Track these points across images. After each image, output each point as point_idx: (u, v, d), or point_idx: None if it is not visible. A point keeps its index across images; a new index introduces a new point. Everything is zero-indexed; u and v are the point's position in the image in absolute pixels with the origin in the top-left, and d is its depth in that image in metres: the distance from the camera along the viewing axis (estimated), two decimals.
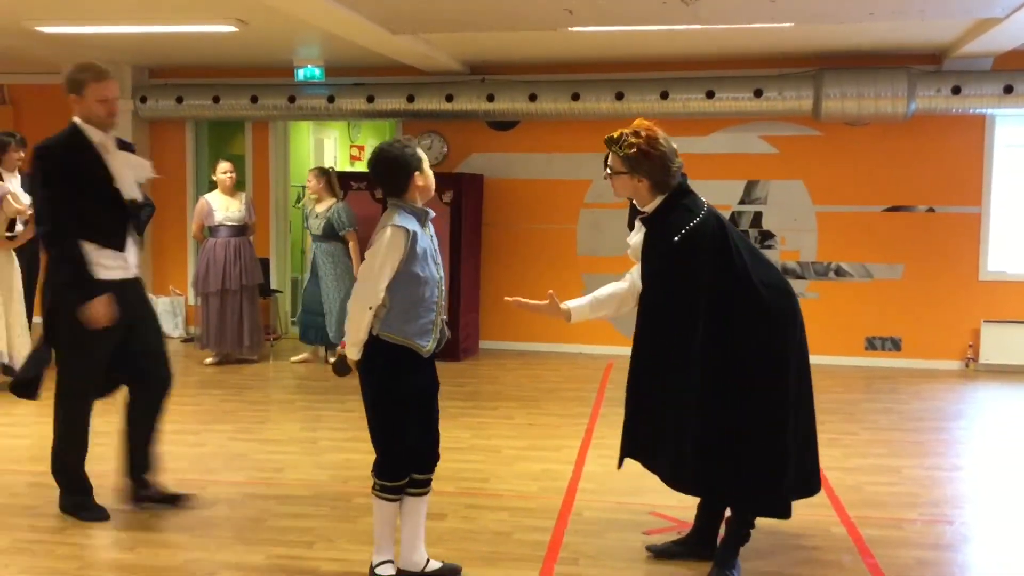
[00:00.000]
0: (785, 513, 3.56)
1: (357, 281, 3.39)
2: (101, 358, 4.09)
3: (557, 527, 4.16)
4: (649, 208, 3.55)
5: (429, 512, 3.60)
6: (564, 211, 8.72)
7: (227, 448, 5.40)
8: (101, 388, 4.24)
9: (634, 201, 3.63)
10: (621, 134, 3.47)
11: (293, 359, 8.00)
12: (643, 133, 3.44)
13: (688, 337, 3.43)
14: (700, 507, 3.82)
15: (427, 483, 3.51)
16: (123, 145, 4.20)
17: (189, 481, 4.74)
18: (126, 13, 6.61)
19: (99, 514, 4.18)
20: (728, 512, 3.71)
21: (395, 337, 3.35)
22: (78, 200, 3.95)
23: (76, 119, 4.03)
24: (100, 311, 3.92)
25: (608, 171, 3.57)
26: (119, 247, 4.05)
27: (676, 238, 3.42)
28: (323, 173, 7.84)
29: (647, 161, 3.44)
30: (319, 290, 7.72)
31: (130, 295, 4.09)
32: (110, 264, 4.02)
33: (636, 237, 3.65)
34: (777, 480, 3.49)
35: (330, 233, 7.66)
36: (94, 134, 4.02)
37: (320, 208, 7.72)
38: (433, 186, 3.46)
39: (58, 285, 4.01)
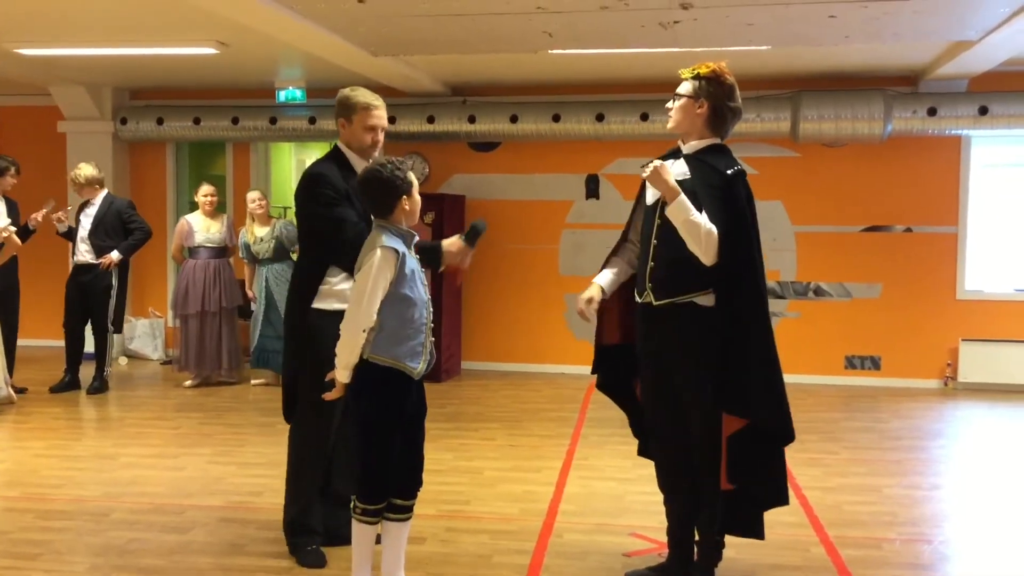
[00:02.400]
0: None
1: (349, 304, 3.35)
2: None
3: (537, 550, 4.14)
4: (692, 148, 3.60)
5: (408, 535, 3.58)
6: (546, 231, 8.75)
7: (206, 472, 5.36)
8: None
9: (681, 139, 3.65)
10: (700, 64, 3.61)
11: (253, 382, 7.93)
12: (722, 65, 3.58)
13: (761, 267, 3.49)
14: (672, 532, 3.76)
15: (409, 509, 3.49)
16: None
17: (167, 505, 4.71)
18: (107, 35, 6.61)
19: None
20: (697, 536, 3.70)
21: (385, 360, 3.33)
22: None
23: (339, 144, 3.96)
24: None
25: (673, 98, 3.63)
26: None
27: (729, 171, 3.48)
28: (264, 196, 7.90)
29: (717, 85, 3.54)
30: (272, 314, 7.64)
31: None
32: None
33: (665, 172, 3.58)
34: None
35: (281, 253, 7.67)
36: (356, 161, 3.90)
37: (262, 231, 7.68)
38: (419, 210, 3.45)
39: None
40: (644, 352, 3.65)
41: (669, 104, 3.65)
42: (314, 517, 4.00)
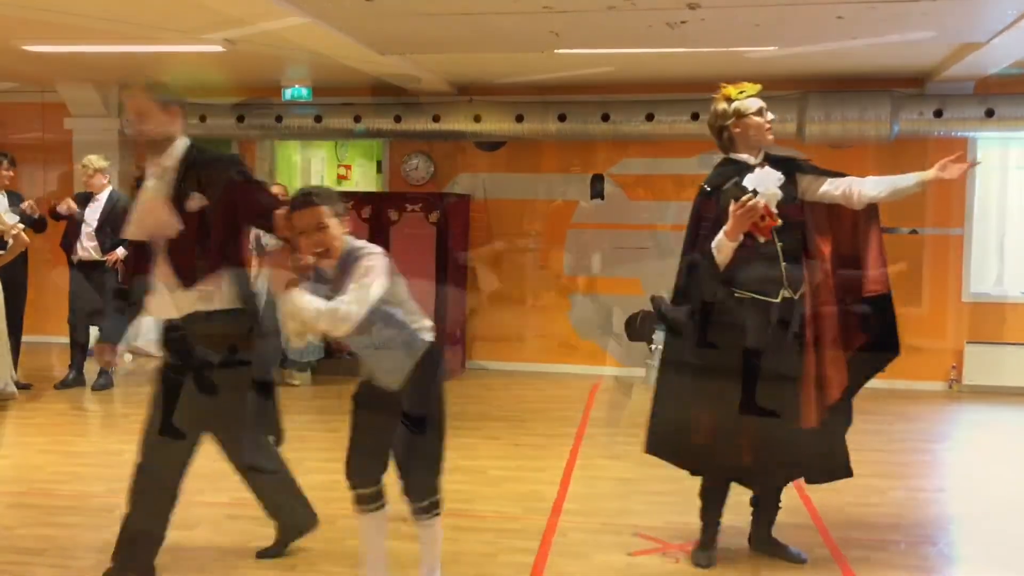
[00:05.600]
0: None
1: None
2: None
3: (542, 549, 4.14)
4: (763, 156, 4.07)
5: (412, 535, 3.57)
6: (551, 231, 8.74)
7: (211, 468, 5.34)
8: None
9: (751, 153, 4.08)
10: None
11: None
12: None
13: None
14: (714, 515, 3.98)
15: (417, 511, 3.42)
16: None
17: None
18: (113, 32, 6.61)
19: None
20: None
21: None
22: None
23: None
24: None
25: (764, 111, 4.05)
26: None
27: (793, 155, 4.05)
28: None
29: None
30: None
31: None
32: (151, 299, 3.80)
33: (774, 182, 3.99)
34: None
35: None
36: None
37: None
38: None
39: None
40: (756, 344, 3.81)
41: (771, 116, 4.06)
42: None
